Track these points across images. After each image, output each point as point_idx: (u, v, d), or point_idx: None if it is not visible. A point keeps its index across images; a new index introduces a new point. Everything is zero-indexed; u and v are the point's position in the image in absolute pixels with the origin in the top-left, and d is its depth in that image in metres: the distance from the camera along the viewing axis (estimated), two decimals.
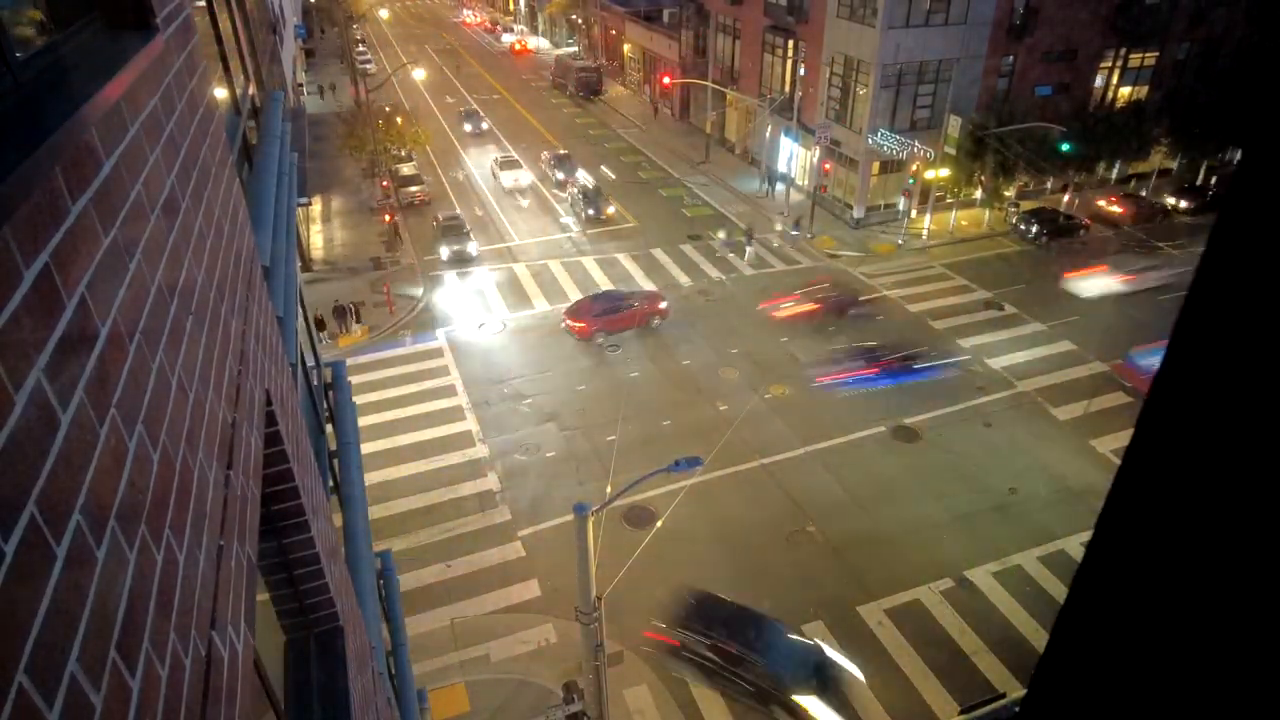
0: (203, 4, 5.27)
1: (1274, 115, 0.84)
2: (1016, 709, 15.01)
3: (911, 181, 35.24)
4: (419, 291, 30.61)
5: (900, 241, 34.98)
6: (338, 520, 6.32)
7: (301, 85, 46.10)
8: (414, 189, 38.34)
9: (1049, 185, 37.80)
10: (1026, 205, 36.69)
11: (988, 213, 36.57)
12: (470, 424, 23.47)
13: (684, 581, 18.34)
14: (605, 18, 62.73)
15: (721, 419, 23.48)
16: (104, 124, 1.78)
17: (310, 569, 3.85)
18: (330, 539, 4.57)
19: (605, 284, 31.28)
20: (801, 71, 37.86)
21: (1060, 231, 34.83)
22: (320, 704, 3.84)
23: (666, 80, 49.28)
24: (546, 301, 30.08)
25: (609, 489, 19.00)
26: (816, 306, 28.12)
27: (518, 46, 75.69)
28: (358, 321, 28.12)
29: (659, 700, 15.91)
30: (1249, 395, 0.91)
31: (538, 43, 78.42)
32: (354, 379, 18.64)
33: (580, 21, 70.12)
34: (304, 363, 6.47)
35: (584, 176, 32.88)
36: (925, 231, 35.54)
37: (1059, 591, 18.21)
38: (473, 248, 32.84)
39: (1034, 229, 34.84)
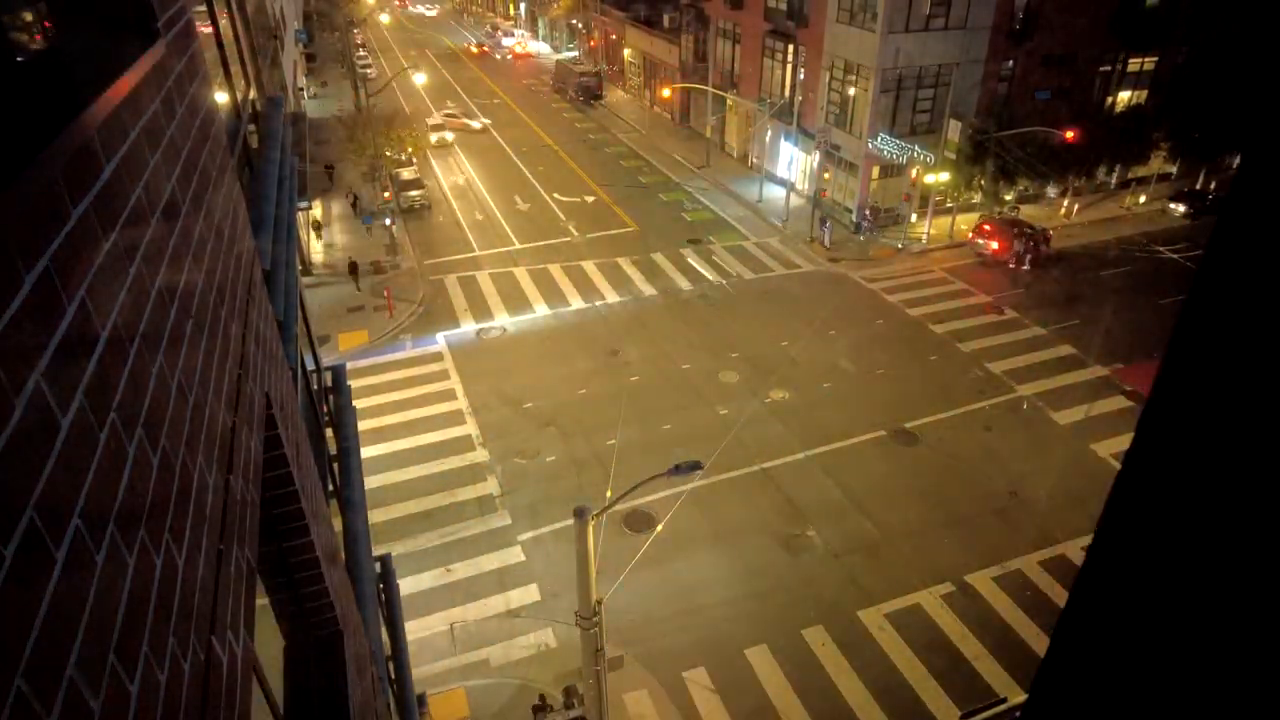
0: (203, 9, 5.28)
1: (1274, 118, 0.84)
2: (1017, 714, 14.98)
3: (911, 186, 35.27)
4: (419, 295, 30.64)
5: (900, 245, 35.00)
6: (338, 524, 6.31)
7: (303, 89, 46.15)
8: (414, 193, 38.37)
9: (1048, 190, 37.82)
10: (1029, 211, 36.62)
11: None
12: (470, 428, 23.45)
13: (684, 584, 18.32)
14: (605, 23, 62.85)
15: (721, 423, 23.46)
16: (105, 128, 1.78)
17: (310, 573, 3.84)
18: (330, 543, 4.57)
19: (606, 288, 31.31)
20: (801, 76, 37.92)
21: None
22: (320, 708, 3.83)
23: (666, 93, 49.32)
24: (546, 305, 30.08)
25: (609, 493, 19.00)
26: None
27: (518, 50, 76.30)
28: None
29: (659, 705, 15.88)
30: (1249, 398, 0.91)
31: (538, 47, 78.59)
32: (354, 383, 18.65)
33: (580, 27, 70.26)
34: (304, 366, 6.46)
35: None
36: (925, 235, 35.55)
37: (1060, 596, 18.18)
38: None
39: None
